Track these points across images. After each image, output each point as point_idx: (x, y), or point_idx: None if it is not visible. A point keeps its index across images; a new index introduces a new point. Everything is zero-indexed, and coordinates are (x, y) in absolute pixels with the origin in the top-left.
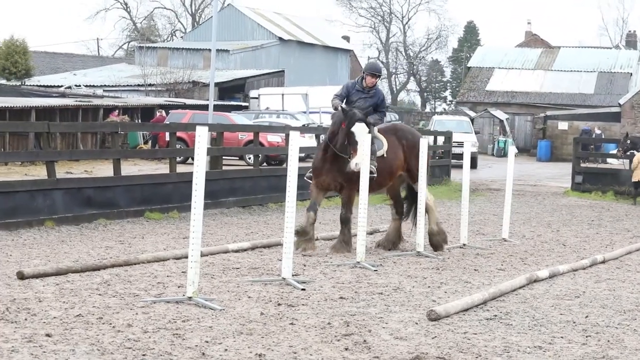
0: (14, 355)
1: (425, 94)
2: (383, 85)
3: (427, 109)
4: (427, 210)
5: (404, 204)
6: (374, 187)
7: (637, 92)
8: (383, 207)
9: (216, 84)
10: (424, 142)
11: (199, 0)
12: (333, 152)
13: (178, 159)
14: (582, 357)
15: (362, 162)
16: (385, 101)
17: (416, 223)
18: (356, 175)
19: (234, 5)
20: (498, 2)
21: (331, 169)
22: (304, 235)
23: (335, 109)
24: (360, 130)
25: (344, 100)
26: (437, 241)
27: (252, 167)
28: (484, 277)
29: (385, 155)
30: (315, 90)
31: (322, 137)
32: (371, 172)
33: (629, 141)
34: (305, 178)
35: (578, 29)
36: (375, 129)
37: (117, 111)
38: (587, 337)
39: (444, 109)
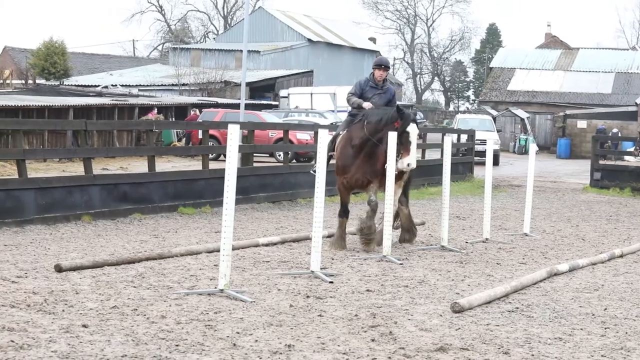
0: (51, 345)
1: (449, 93)
2: (408, 85)
3: (451, 108)
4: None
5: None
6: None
7: None
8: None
9: (247, 84)
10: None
11: (231, 3)
12: (370, 148)
13: (210, 156)
14: (601, 349)
15: (414, 163)
16: (395, 96)
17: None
18: (383, 172)
19: (264, 8)
20: (519, 5)
21: (363, 165)
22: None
23: (359, 106)
24: (413, 130)
25: (360, 98)
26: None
27: (282, 164)
28: (506, 271)
29: None
30: (343, 90)
31: (341, 133)
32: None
33: None
34: (311, 171)
35: (596, 31)
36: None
37: (155, 110)
38: (605, 328)
39: (467, 108)
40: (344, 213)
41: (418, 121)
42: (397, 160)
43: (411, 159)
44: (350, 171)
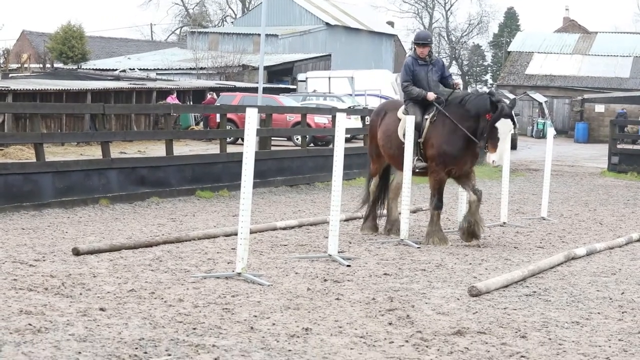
0: (69, 328)
1: (467, 77)
2: None
3: None
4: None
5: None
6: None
7: None
8: (426, 186)
9: (265, 68)
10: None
11: None
12: (468, 139)
13: (228, 140)
14: (618, 333)
15: (500, 161)
16: (446, 67)
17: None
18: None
19: None
20: None
21: (465, 156)
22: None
23: (423, 99)
24: (504, 127)
25: (413, 80)
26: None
27: (299, 148)
28: (524, 255)
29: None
30: (360, 74)
31: (428, 116)
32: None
33: None
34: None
35: (614, 15)
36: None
37: (174, 94)
38: (623, 313)
39: None
40: (441, 205)
41: (515, 114)
42: (485, 153)
43: (496, 156)
44: (459, 163)
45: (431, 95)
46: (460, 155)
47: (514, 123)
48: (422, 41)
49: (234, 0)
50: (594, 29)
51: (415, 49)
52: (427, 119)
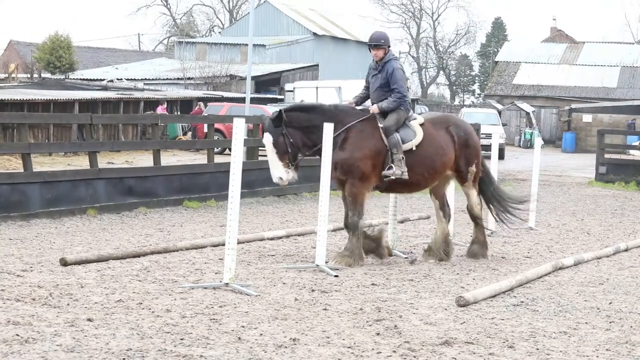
0: (56, 339)
1: (454, 87)
2: (414, 79)
3: (456, 102)
4: (476, 219)
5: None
6: (402, 187)
7: None
8: (413, 196)
9: (253, 78)
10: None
11: None
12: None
13: (216, 150)
14: (606, 343)
15: (273, 176)
16: (396, 75)
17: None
18: (350, 168)
19: (270, 1)
20: None
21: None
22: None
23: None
24: (265, 142)
25: (369, 86)
26: (476, 250)
27: None
28: (511, 265)
29: (414, 149)
30: (348, 84)
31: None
32: (398, 175)
33: None
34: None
35: (601, 25)
36: (416, 120)
37: (165, 104)
38: (610, 322)
39: (473, 102)
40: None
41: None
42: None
43: (270, 173)
44: None
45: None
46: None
47: (273, 135)
48: (374, 43)
49: (221, 10)
50: (582, 39)
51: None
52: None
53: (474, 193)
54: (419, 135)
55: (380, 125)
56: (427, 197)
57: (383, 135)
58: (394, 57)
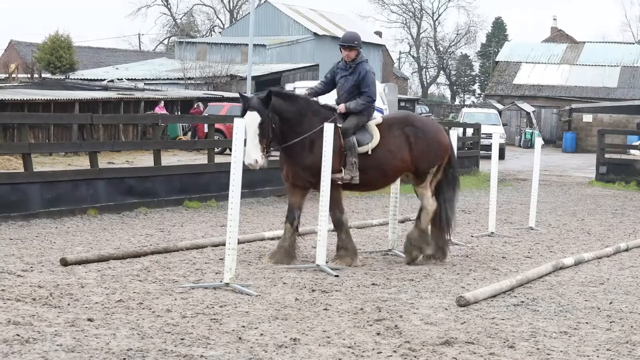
0: (57, 339)
1: (454, 87)
2: (414, 79)
3: (457, 102)
4: (421, 221)
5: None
6: (361, 188)
7: None
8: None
9: (253, 78)
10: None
11: None
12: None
13: (216, 150)
14: (607, 342)
15: (247, 159)
16: (368, 78)
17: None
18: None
19: (270, 2)
20: None
21: (289, 166)
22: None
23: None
24: (248, 121)
25: (330, 84)
26: (408, 249)
27: None
28: (512, 265)
29: (369, 153)
30: None
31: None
32: (346, 180)
33: None
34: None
35: (602, 25)
36: (373, 120)
37: (162, 103)
38: (611, 322)
39: (473, 102)
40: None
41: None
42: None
43: (244, 157)
44: (283, 171)
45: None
46: (284, 164)
47: (262, 115)
48: (347, 43)
49: (222, 10)
50: (582, 39)
51: (341, 52)
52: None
53: (428, 194)
54: (376, 138)
55: (340, 125)
56: None
57: (341, 137)
58: (365, 59)
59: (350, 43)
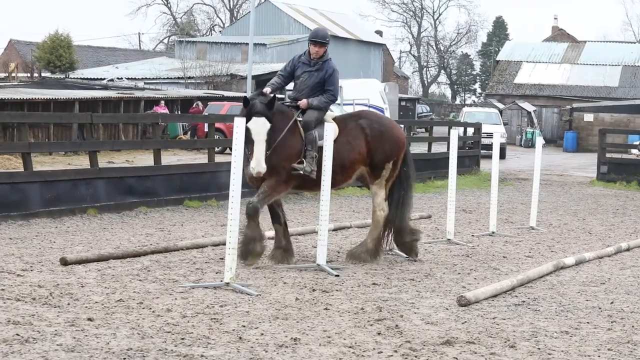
0: (57, 338)
1: (455, 86)
2: (415, 78)
3: (457, 101)
4: (373, 223)
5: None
6: (313, 184)
7: None
8: (414, 196)
9: (253, 77)
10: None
11: None
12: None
13: (216, 149)
14: (608, 342)
15: (259, 167)
16: (334, 77)
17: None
18: (278, 167)
19: (270, 1)
20: None
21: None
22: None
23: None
24: (256, 127)
25: (291, 77)
26: (359, 254)
27: None
28: (513, 264)
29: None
30: (349, 83)
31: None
32: (307, 172)
33: None
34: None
35: (603, 24)
36: (328, 114)
37: (162, 103)
38: (612, 322)
39: (474, 101)
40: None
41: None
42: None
43: (253, 162)
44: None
45: (266, 90)
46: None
47: (270, 121)
48: (320, 40)
49: (222, 9)
50: (583, 38)
51: (309, 47)
52: None
53: (382, 194)
54: (335, 131)
55: (299, 119)
56: (428, 196)
57: (301, 130)
58: (330, 57)
59: (322, 40)
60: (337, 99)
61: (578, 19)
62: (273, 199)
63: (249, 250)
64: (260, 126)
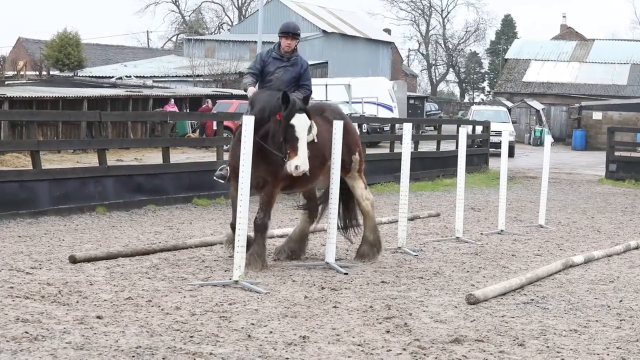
0: (66, 336)
1: (464, 85)
2: (423, 77)
3: (466, 100)
4: (363, 215)
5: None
6: (305, 182)
7: None
8: (423, 194)
9: None
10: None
11: None
12: (259, 145)
13: (225, 147)
14: (617, 341)
15: (305, 165)
16: (309, 71)
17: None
18: (283, 172)
19: None
20: None
21: (258, 162)
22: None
23: (245, 90)
24: (301, 123)
25: (261, 75)
26: (365, 251)
27: None
28: (521, 262)
29: (315, 141)
30: (357, 81)
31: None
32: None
33: None
34: (215, 177)
35: (611, 22)
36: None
37: (172, 101)
38: (621, 320)
39: (482, 100)
40: (234, 222)
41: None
42: (284, 162)
43: (300, 160)
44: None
45: (251, 90)
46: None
47: (310, 118)
48: (291, 31)
49: (230, 7)
50: (591, 36)
51: (280, 40)
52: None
53: (360, 185)
54: (315, 127)
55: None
56: (436, 194)
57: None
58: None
59: (294, 31)
60: (312, 93)
61: (587, 17)
62: (274, 201)
63: (250, 263)
64: (304, 122)
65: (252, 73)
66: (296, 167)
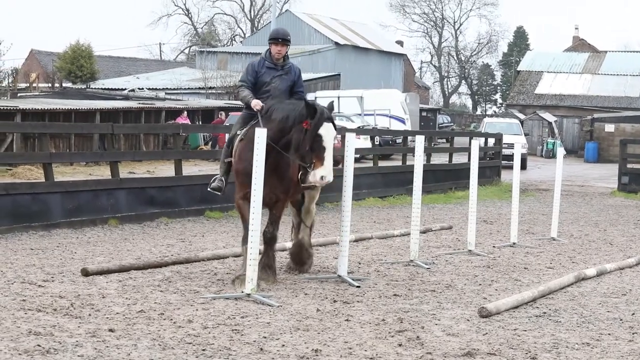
0: (78, 349)
1: (476, 97)
2: (435, 89)
3: (478, 112)
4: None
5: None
6: (300, 191)
7: None
8: (435, 207)
9: None
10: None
11: (257, 6)
12: (275, 157)
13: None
14: (629, 354)
15: (330, 176)
16: (301, 79)
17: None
18: (296, 186)
19: (291, 11)
20: (547, 8)
21: (270, 178)
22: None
23: (247, 104)
24: (327, 132)
25: (254, 86)
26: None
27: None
28: (534, 275)
29: None
30: (370, 94)
31: (241, 132)
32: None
33: None
34: (209, 189)
35: (624, 34)
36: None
37: (184, 113)
38: (633, 334)
39: (495, 112)
40: (246, 235)
41: (336, 117)
42: (308, 172)
43: (325, 171)
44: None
45: (257, 104)
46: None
47: (336, 128)
48: (281, 37)
49: (243, 19)
50: (604, 48)
51: (270, 48)
52: (239, 133)
53: (316, 197)
54: None
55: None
56: (449, 207)
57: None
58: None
59: (284, 37)
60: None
61: (599, 29)
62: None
63: (261, 277)
64: (331, 132)
65: (247, 86)
66: (322, 177)
